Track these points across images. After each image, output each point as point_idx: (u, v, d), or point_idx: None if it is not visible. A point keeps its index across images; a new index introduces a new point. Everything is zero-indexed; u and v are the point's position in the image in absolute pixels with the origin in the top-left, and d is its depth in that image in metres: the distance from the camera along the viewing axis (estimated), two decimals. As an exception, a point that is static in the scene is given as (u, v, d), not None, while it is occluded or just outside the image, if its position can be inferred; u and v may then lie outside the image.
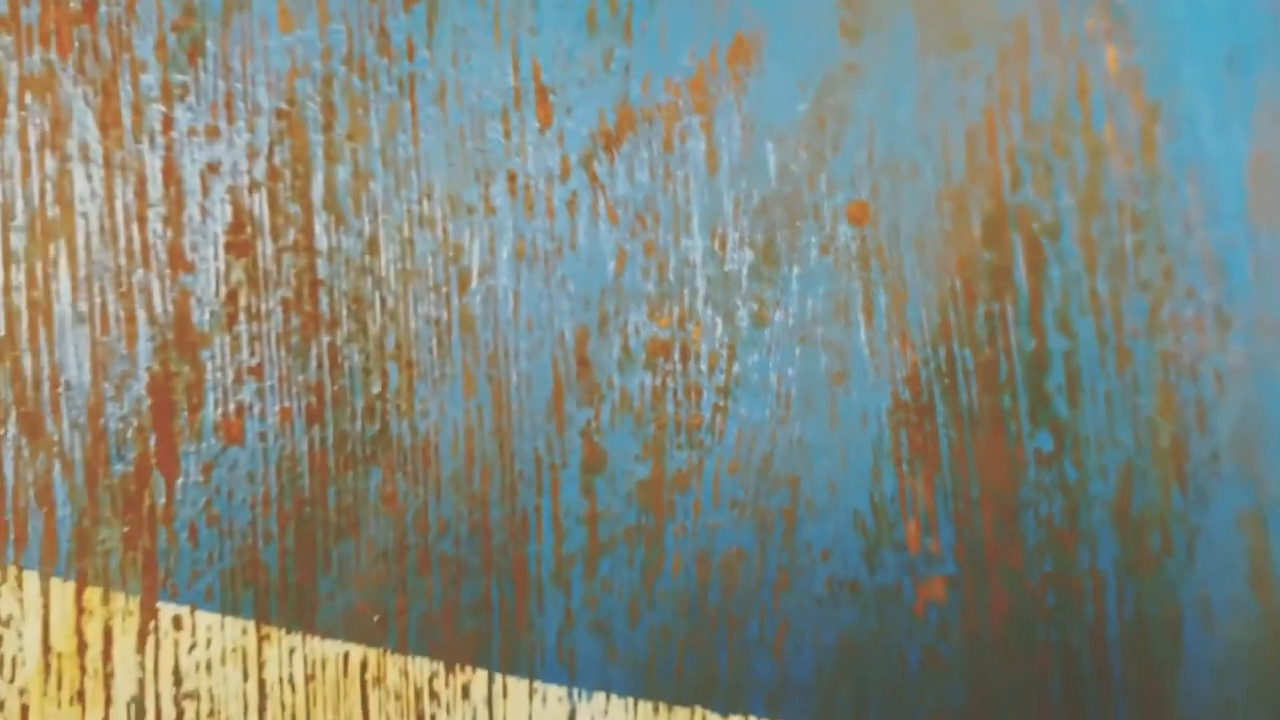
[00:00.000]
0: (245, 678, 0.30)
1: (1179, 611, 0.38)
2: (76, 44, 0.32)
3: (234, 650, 0.30)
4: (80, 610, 0.30)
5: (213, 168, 0.32)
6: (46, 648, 0.29)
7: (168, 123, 0.32)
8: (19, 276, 0.31)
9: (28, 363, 0.30)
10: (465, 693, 0.32)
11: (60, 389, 0.30)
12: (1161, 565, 0.38)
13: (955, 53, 0.38)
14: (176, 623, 0.30)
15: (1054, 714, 0.36)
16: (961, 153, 0.37)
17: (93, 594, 0.30)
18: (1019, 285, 0.37)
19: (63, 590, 0.30)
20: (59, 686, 0.29)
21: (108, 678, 0.30)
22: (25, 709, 0.29)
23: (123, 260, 0.31)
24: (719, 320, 0.35)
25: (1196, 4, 0.41)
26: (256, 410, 0.31)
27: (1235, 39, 0.41)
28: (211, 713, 0.30)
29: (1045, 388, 0.37)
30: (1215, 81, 0.40)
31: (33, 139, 0.31)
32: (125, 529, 0.30)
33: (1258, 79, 0.41)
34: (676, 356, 0.34)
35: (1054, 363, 0.37)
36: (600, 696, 0.32)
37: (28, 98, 0.31)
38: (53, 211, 0.31)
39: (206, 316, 0.31)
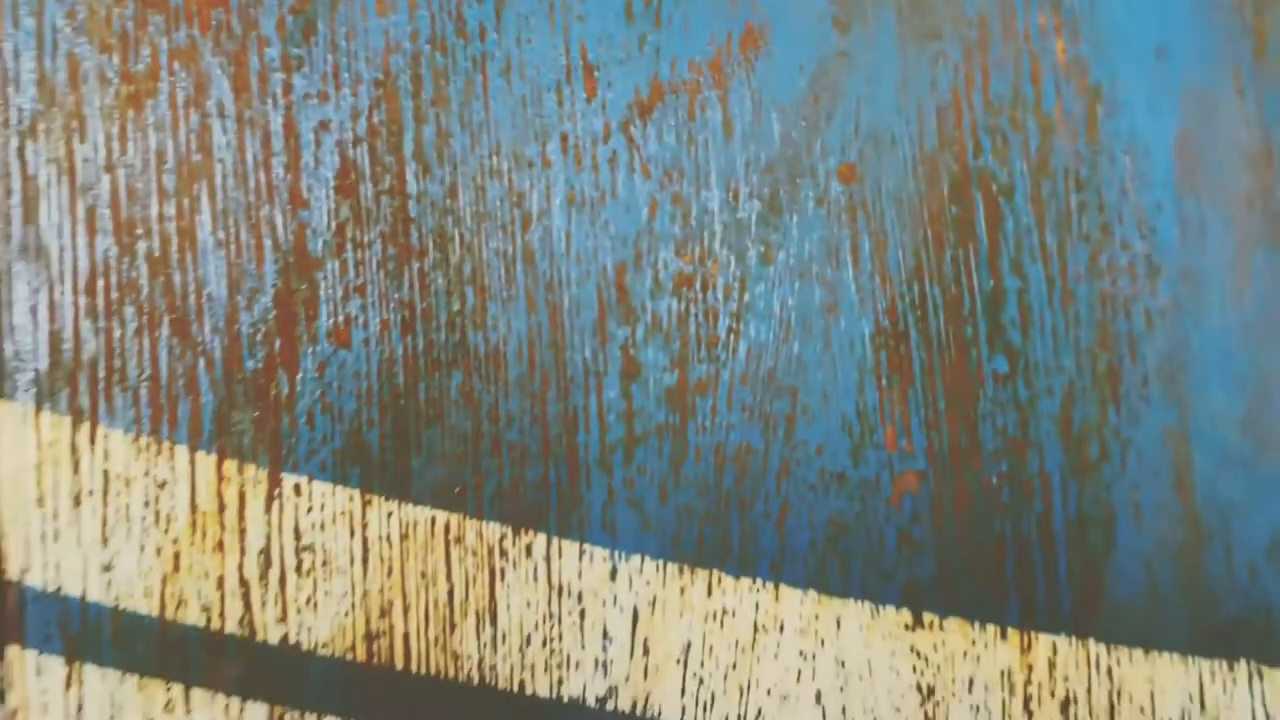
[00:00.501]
0: (351, 535, 0.38)
1: (1112, 510, 0.45)
2: (214, 23, 0.39)
3: (343, 513, 0.38)
4: (220, 478, 0.37)
5: (323, 125, 0.39)
6: (193, 507, 0.37)
7: (287, 88, 0.39)
8: (170, 209, 0.38)
9: (177, 279, 0.37)
10: (528, 551, 0.39)
11: (203, 300, 0.37)
12: (1098, 471, 0.45)
13: (928, 43, 0.46)
14: (297, 490, 0.37)
15: (1007, 590, 0.44)
16: (933, 126, 0.45)
17: (230, 465, 0.37)
18: (980, 235, 0.45)
19: (206, 462, 0.37)
20: (203, 538, 0.37)
21: (242, 533, 0.37)
22: (177, 555, 0.36)
23: (252, 198, 0.38)
24: (732, 258, 0.42)
25: (1132, 5, 0.49)
26: (361, 321, 0.38)
27: (1164, 35, 0.49)
28: (325, 563, 0.37)
29: (1001, 320, 0.45)
30: (1147, 70, 0.48)
31: (180, 100, 0.38)
32: (255, 414, 0.37)
33: (1182, 68, 0.48)
34: (698, 287, 0.41)
35: (1009, 300, 0.45)
36: (636, 558, 0.40)
37: (175, 66, 0.38)
38: (196, 158, 0.38)
39: (320, 245, 0.38)
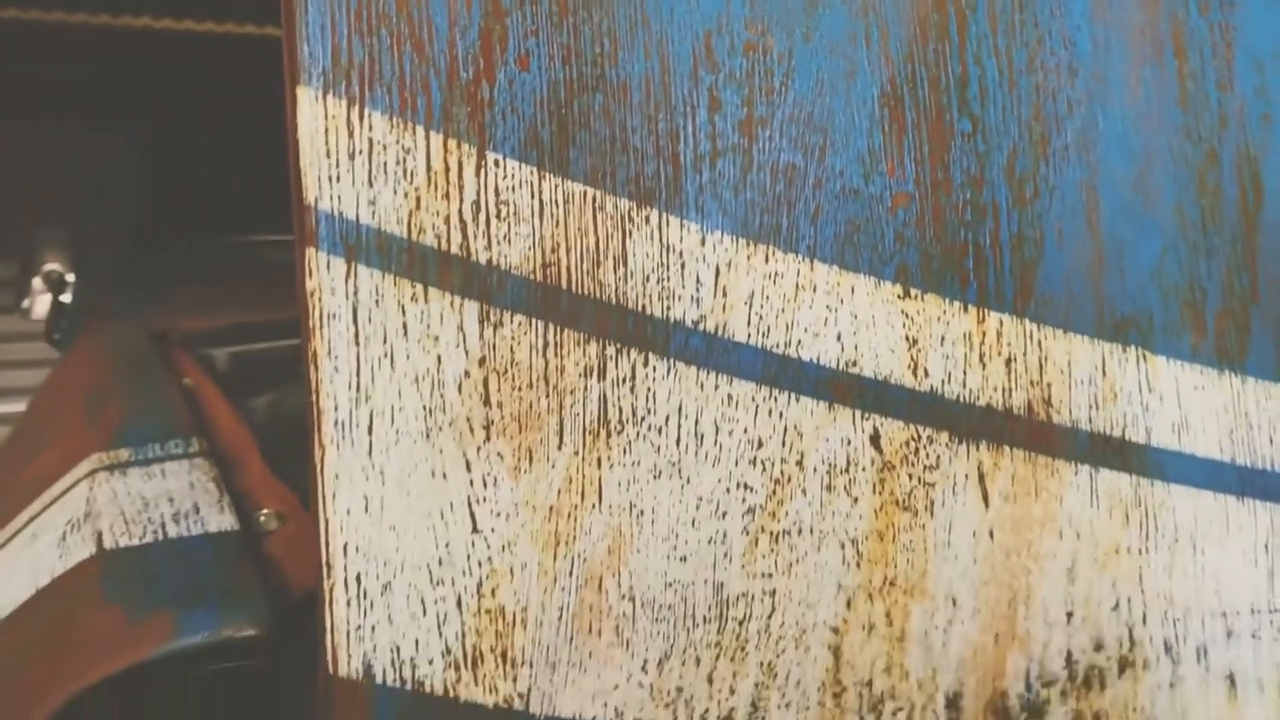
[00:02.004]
0: (532, 197, 0.55)
1: (1042, 233, 0.64)
2: None
3: (525, 182, 0.55)
4: (445, 151, 0.54)
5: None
6: (429, 168, 0.53)
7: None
8: (407, -29, 0.55)
9: (416, 13, 0.54)
10: (647, 220, 0.56)
11: (433, 30, 0.54)
12: (1033, 205, 0.64)
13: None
14: (496, 164, 0.54)
15: (968, 278, 0.62)
16: (921, -42, 0.63)
17: (452, 143, 0.54)
18: (952, 36, 0.63)
19: (436, 139, 0.54)
20: (435, 188, 0.53)
21: (460, 187, 0.54)
22: (418, 198, 0.53)
23: (462, -32, 0.55)
24: (784, 34, 0.60)
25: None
26: (535, 54, 0.56)
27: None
28: (515, 213, 0.54)
29: (966, 96, 0.63)
30: (1071, -66, 0.67)
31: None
32: (468, 110, 0.54)
33: (1096, -67, 0.67)
34: (760, 52, 0.59)
35: (972, 82, 0.63)
36: (718, 232, 0.57)
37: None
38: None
39: (509, 1, 0.56)
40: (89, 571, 0.73)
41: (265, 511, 0.78)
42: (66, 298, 2.26)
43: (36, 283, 2.31)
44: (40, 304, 2.35)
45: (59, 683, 0.63)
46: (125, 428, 0.98)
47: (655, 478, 0.55)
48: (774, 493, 0.57)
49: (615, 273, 0.56)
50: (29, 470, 1.02)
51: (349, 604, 0.50)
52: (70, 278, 2.26)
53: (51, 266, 2.27)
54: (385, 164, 0.53)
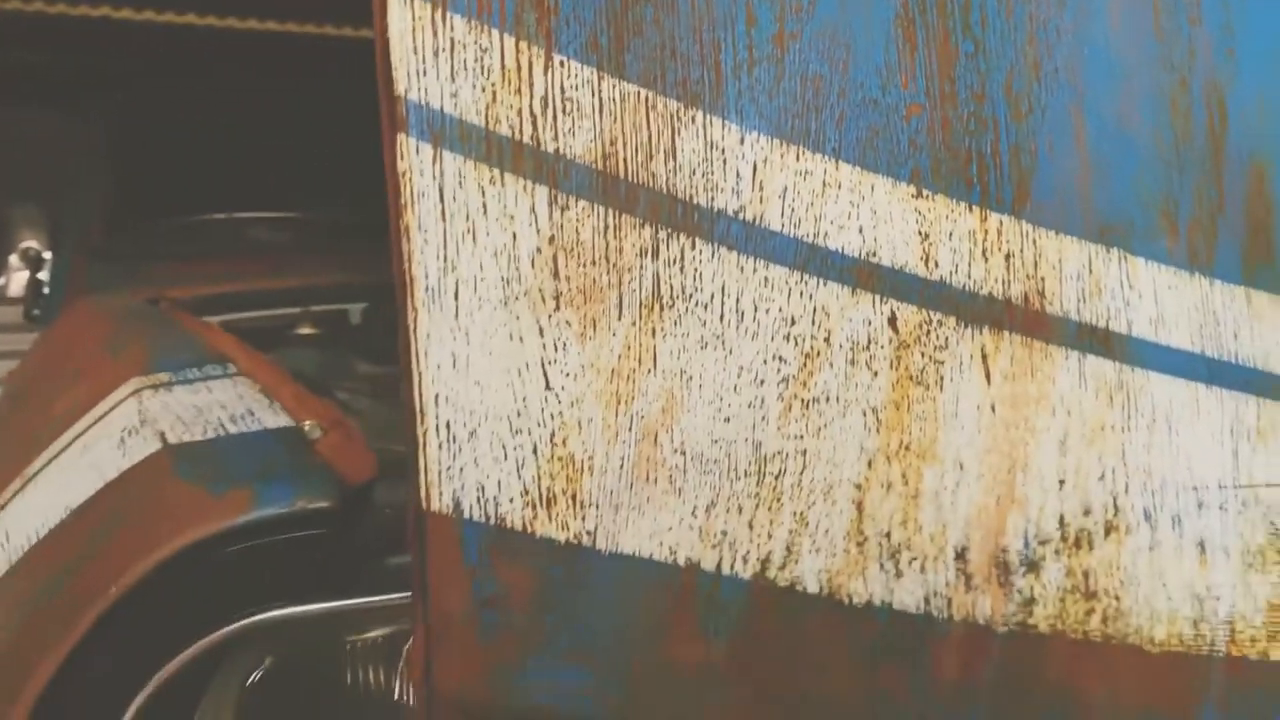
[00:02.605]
0: (593, 95, 0.61)
1: (1036, 145, 0.72)
2: None
3: (587, 81, 0.61)
4: (517, 52, 0.60)
5: None
6: (502, 65, 0.60)
7: None
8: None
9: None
10: (693, 120, 0.63)
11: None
12: (1027, 120, 0.72)
13: None
14: (561, 64, 0.61)
15: (972, 182, 0.70)
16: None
17: (521, 44, 0.60)
18: (958, -33, 0.71)
19: (509, 42, 0.60)
20: (508, 83, 0.60)
21: (531, 84, 0.60)
22: (494, 92, 0.60)
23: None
24: (809, -37, 0.67)
25: None
26: (595, -30, 0.62)
27: None
28: (578, 108, 0.61)
29: (970, 20, 0.71)
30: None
31: None
32: (536, 15, 0.61)
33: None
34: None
35: (974, 7, 0.71)
36: (755, 133, 0.64)
37: None
38: None
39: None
40: (159, 462, 0.78)
41: (309, 423, 0.84)
42: (44, 275, 2.28)
43: (13, 260, 2.32)
44: (16, 281, 2.36)
45: (146, 550, 0.69)
46: (157, 357, 1.03)
47: (702, 348, 0.62)
48: (805, 365, 0.64)
49: (666, 165, 0.62)
50: (53, 409, 1.06)
51: (440, 447, 0.56)
52: (47, 255, 2.28)
53: (28, 244, 2.29)
54: (465, 61, 0.59)
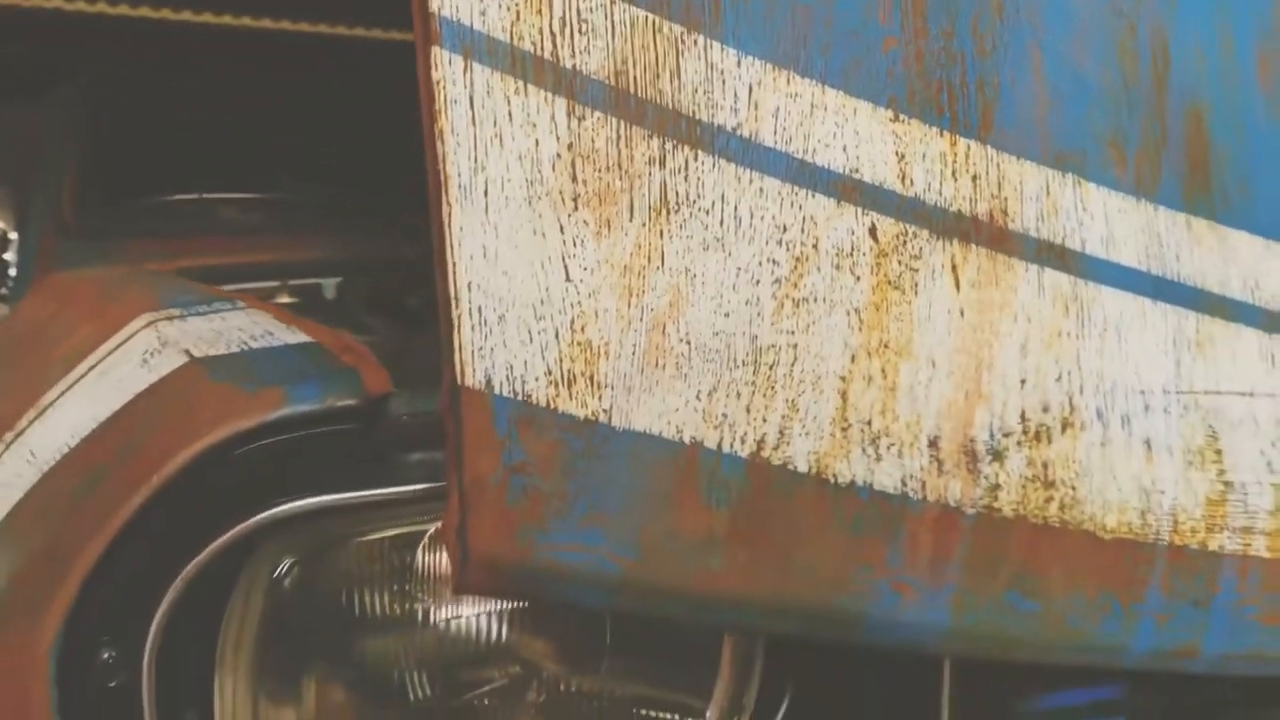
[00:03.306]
0: (605, 17, 0.68)
1: (999, 79, 0.79)
2: None
3: (601, 4, 0.68)
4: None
5: None
6: None
7: None
8: None
9: None
10: (695, 43, 0.70)
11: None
12: (991, 54, 0.79)
13: None
14: (575, -9, 0.67)
15: (943, 108, 0.77)
16: None
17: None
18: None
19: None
20: (530, 12, 0.66)
21: (551, 6, 0.66)
22: (514, 22, 0.66)
23: None
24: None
25: None
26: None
27: None
28: (593, 30, 0.67)
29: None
30: None
31: None
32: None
33: None
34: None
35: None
36: (750, 57, 0.71)
37: None
38: None
39: None
40: (190, 370, 0.83)
41: (328, 340, 0.89)
42: (10, 255, 2.29)
43: None
44: None
45: (185, 442, 0.74)
46: (164, 296, 1.07)
47: (704, 249, 0.69)
48: (795, 268, 0.71)
49: (671, 83, 0.69)
50: (54, 354, 1.10)
51: (473, 329, 0.62)
52: (13, 235, 2.29)
53: None
54: (494, -19, 0.65)
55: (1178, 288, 0.85)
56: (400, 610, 0.83)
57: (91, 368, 0.97)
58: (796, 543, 0.70)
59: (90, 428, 0.84)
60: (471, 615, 0.86)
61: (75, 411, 0.89)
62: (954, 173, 0.77)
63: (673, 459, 0.67)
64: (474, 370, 0.62)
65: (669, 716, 0.95)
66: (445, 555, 0.67)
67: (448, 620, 0.85)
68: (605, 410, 0.65)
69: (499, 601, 0.85)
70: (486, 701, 0.88)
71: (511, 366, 0.63)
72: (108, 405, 0.85)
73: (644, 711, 0.96)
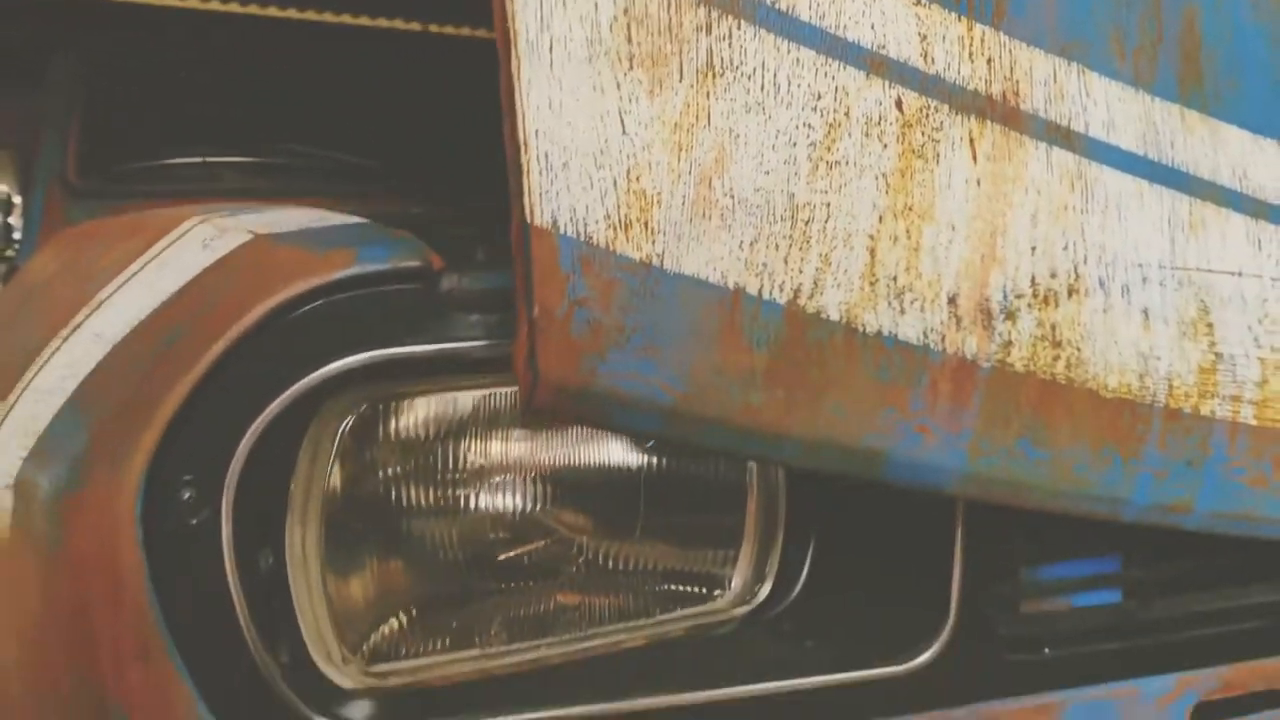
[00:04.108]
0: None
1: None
2: None
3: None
4: None
5: None
6: None
7: None
8: None
9: None
10: None
11: None
12: None
13: None
14: None
15: (958, 8, 0.83)
16: None
17: None
18: None
19: None
20: None
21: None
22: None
23: None
24: None
25: None
26: None
27: None
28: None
29: None
30: None
31: None
32: None
33: None
34: None
35: None
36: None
37: None
38: None
39: None
40: (256, 243, 0.88)
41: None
42: (15, 219, 2.32)
43: None
44: None
45: (260, 298, 0.79)
46: (206, 206, 1.12)
47: (746, 112, 0.75)
48: (828, 133, 0.77)
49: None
50: (97, 266, 1.14)
51: (540, 174, 0.68)
52: (16, 199, 2.32)
53: None
54: None
55: (1172, 172, 0.92)
56: (452, 471, 0.89)
57: (146, 264, 1.01)
58: (828, 384, 0.76)
59: (159, 301, 0.89)
60: (514, 481, 0.92)
61: (138, 295, 0.94)
62: (970, 55, 0.83)
63: (718, 302, 0.73)
64: (541, 211, 0.68)
65: (697, 589, 1.02)
66: (516, 383, 0.73)
67: (495, 482, 0.91)
68: (658, 254, 0.71)
69: (540, 469, 0.91)
70: (527, 561, 0.94)
71: (575, 209, 0.69)
72: (174, 283, 0.90)
73: (671, 586, 1.02)
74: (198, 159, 2.23)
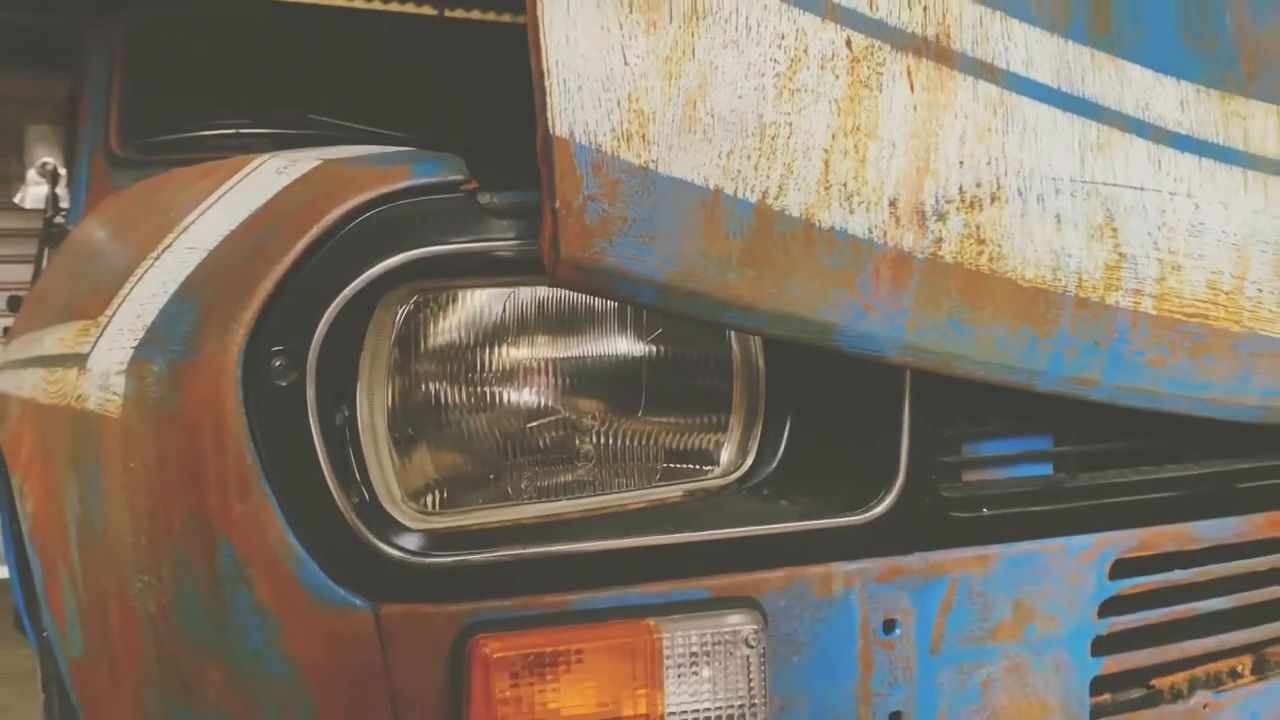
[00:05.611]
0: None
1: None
2: None
3: None
4: None
5: None
6: None
7: None
8: None
9: None
10: None
11: None
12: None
13: None
14: None
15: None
16: None
17: None
18: None
19: None
20: None
21: None
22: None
23: None
24: None
25: None
26: None
27: None
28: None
29: None
30: None
31: None
32: None
33: None
34: None
35: None
36: None
37: None
38: None
39: None
40: (326, 166, 1.08)
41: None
42: (61, 189, 2.48)
43: (31, 175, 2.53)
44: (33, 195, 2.57)
45: (334, 204, 0.99)
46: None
47: (724, 48, 0.94)
48: (790, 66, 0.96)
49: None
50: (173, 206, 1.32)
51: (560, 95, 0.87)
52: (62, 170, 2.49)
53: (45, 159, 2.50)
54: None
55: (1083, 102, 1.10)
56: (488, 358, 1.08)
57: (226, 193, 1.20)
58: (790, 268, 0.96)
59: (248, 214, 1.08)
60: (539, 367, 1.12)
61: (225, 214, 1.13)
62: (909, 3, 1.02)
63: (701, 200, 0.92)
64: (561, 124, 0.87)
65: (692, 466, 1.21)
66: (540, 279, 0.92)
67: (523, 368, 1.11)
68: (654, 161, 0.90)
69: (558, 359, 1.11)
70: (545, 439, 1.14)
71: (587, 124, 0.88)
72: (258, 200, 1.10)
73: (671, 465, 1.21)
74: (231, 130, 2.38)
